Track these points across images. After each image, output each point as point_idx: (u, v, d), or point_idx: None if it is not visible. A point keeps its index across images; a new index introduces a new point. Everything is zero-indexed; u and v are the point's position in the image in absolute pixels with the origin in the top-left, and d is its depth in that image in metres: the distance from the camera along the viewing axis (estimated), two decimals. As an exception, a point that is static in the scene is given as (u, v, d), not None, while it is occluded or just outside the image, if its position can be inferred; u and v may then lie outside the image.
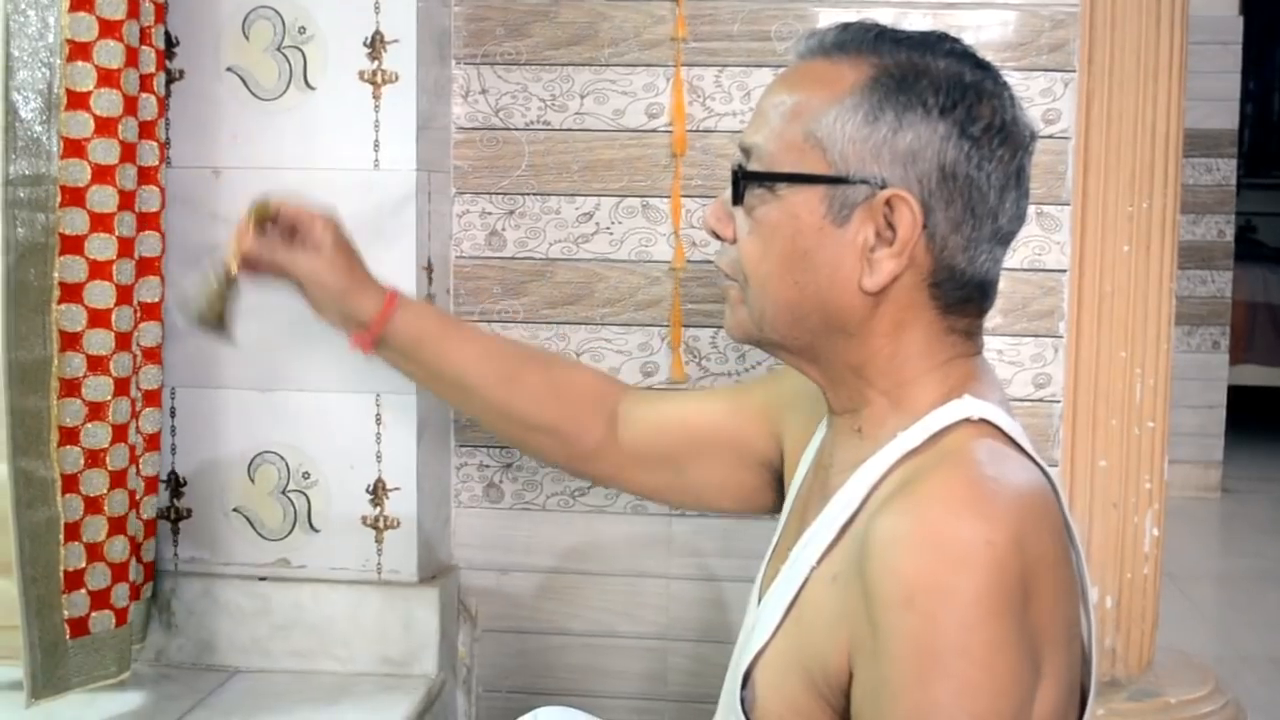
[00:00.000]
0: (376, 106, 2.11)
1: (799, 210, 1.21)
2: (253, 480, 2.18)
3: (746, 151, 1.27)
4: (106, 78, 1.84)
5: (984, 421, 1.17)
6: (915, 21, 2.21)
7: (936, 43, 1.22)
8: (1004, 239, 1.23)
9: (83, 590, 1.89)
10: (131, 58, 1.89)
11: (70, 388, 1.85)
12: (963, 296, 1.22)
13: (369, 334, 1.68)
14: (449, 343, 1.72)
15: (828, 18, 2.23)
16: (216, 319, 1.72)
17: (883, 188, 1.17)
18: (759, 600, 1.34)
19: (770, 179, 1.22)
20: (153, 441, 2.07)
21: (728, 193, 1.29)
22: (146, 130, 1.97)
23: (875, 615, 1.04)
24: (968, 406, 1.18)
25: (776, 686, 1.19)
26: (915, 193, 1.17)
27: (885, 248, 1.18)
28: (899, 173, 1.17)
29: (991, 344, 2.24)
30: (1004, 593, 1.02)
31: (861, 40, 1.22)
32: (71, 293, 1.84)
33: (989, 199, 1.19)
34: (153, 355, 2.05)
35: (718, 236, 1.31)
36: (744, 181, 1.25)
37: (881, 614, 1.03)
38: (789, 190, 1.21)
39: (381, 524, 2.17)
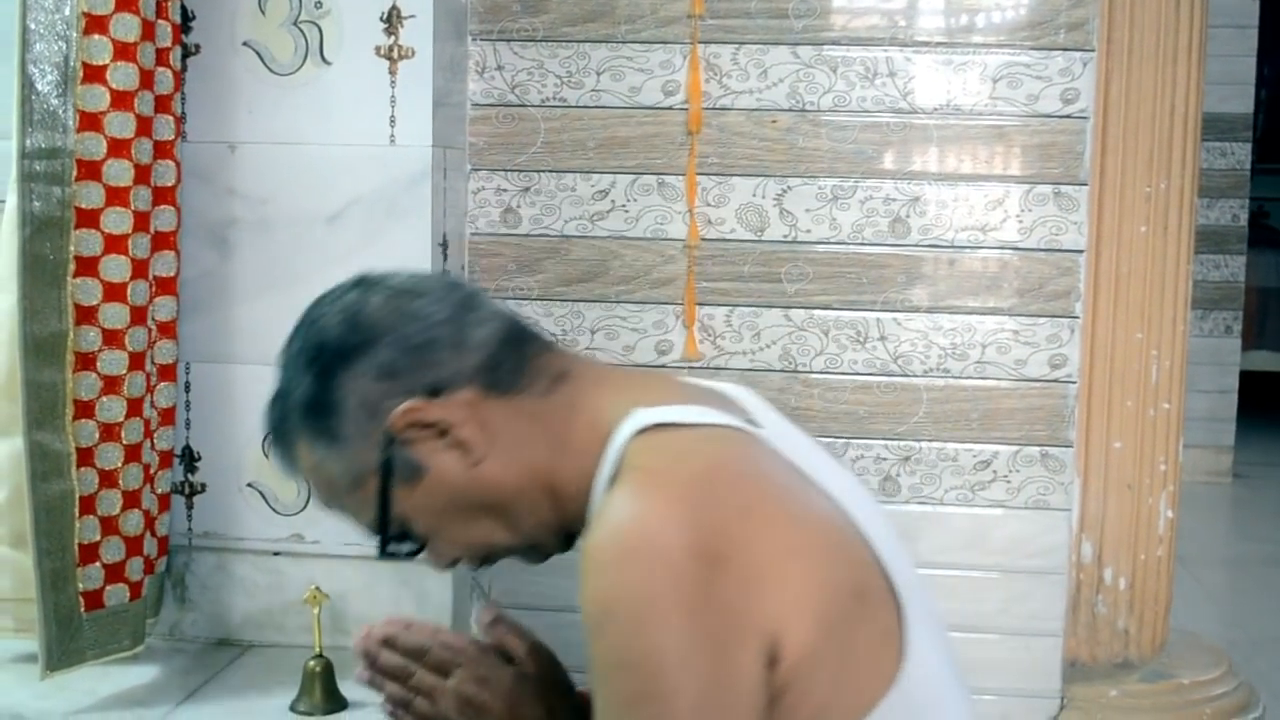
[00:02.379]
0: (393, 82, 2.10)
1: (413, 506, 1.27)
2: (267, 455, 2.18)
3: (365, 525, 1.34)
4: (123, 51, 1.84)
5: (655, 425, 1.20)
6: None
7: (281, 359, 1.31)
8: (460, 312, 1.27)
9: (97, 564, 1.89)
10: (148, 32, 1.88)
11: (85, 361, 1.85)
12: (510, 368, 1.27)
13: None
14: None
15: (845, -4, 2.23)
16: None
17: (391, 439, 1.24)
18: None
19: (384, 531, 1.29)
20: (167, 416, 2.07)
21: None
22: (162, 104, 1.97)
23: (588, 643, 1.10)
24: (641, 418, 1.21)
25: None
26: (397, 404, 1.23)
27: (450, 432, 1.24)
28: (381, 415, 1.24)
29: (1007, 324, 2.24)
30: (670, 590, 1.06)
31: (279, 433, 1.31)
32: (87, 266, 1.84)
33: (413, 332, 1.25)
34: (168, 330, 2.05)
35: (456, 563, 1.36)
36: (389, 549, 1.31)
37: (588, 641, 1.09)
38: (397, 510, 1.27)
39: (395, 500, 2.17)
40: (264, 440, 1.30)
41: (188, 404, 2.18)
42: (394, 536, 1.30)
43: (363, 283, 1.31)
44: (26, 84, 1.79)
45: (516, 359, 1.27)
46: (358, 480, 1.27)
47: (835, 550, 1.17)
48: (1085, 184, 2.22)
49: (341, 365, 1.25)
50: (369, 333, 1.25)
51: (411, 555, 1.33)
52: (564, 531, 1.31)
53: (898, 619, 1.19)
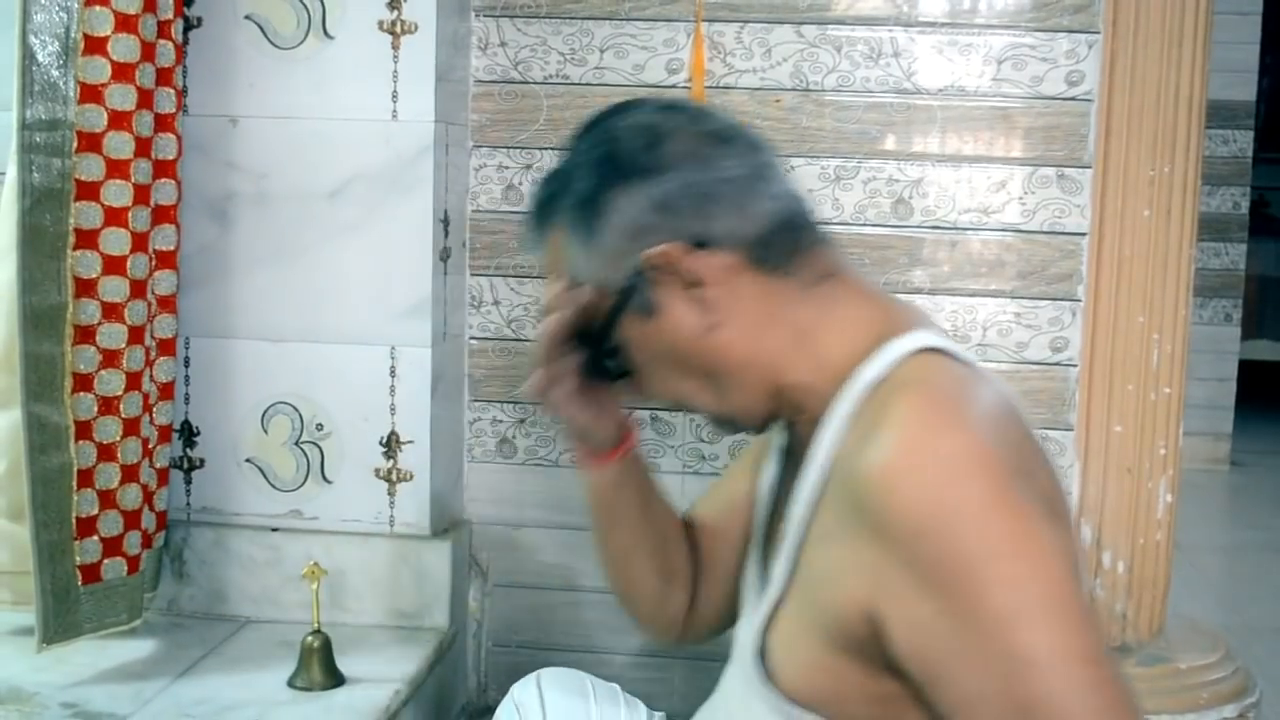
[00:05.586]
0: (395, 57, 2.09)
1: (634, 337, 1.27)
2: (266, 431, 2.18)
3: (585, 343, 1.33)
4: (124, 23, 1.83)
5: (939, 351, 1.19)
6: (938, -20, 2.20)
7: (576, 144, 1.30)
8: (755, 177, 1.25)
9: (95, 537, 1.89)
10: (150, 3, 1.88)
11: (84, 334, 1.85)
12: (782, 248, 1.24)
13: (610, 453, 1.49)
14: (656, 491, 1.57)
15: (850, -25, 2.22)
16: None
17: (640, 271, 1.23)
18: (760, 583, 1.35)
19: (599, 346, 1.29)
20: (166, 390, 2.06)
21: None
22: (164, 77, 1.96)
23: (899, 554, 1.05)
24: (923, 338, 1.20)
25: (792, 651, 1.20)
26: (664, 239, 1.21)
27: (698, 287, 1.22)
28: (643, 242, 1.22)
29: (1008, 307, 2.23)
30: (1003, 482, 1.04)
31: (542, 209, 1.31)
32: (87, 239, 1.84)
33: (705, 178, 1.23)
34: (168, 304, 2.04)
35: (649, 399, 1.36)
36: (596, 364, 1.33)
37: (903, 550, 1.05)
38: (618, 335, 1.27)
39: (394, 477, 2.17)
40: (531, 210, 1.33)
41: (187, 379, 2.18)
42: (605, 354, 1.30)
43: (674, 109, 1.28)
44: (27, 55, 1.78)
45: (791, 242, 1.25)
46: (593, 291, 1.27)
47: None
48: (1089, 167, 2.21)
49: (625, 180, 1.23)
50: (663, 162, 1.23)
51: (616, 379, 1.33)
52: (769, 416, 1.30)
53: None
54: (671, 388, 1.29)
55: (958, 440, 1.05)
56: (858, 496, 1.08)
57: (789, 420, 1.31)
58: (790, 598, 1.21)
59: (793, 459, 1.34)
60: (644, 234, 1.22)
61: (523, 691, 1.63)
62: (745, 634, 1.31)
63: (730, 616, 1.54)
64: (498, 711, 1.63)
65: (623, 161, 1.24)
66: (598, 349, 1.30)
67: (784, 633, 1.21)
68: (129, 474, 1.92)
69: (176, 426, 2.17)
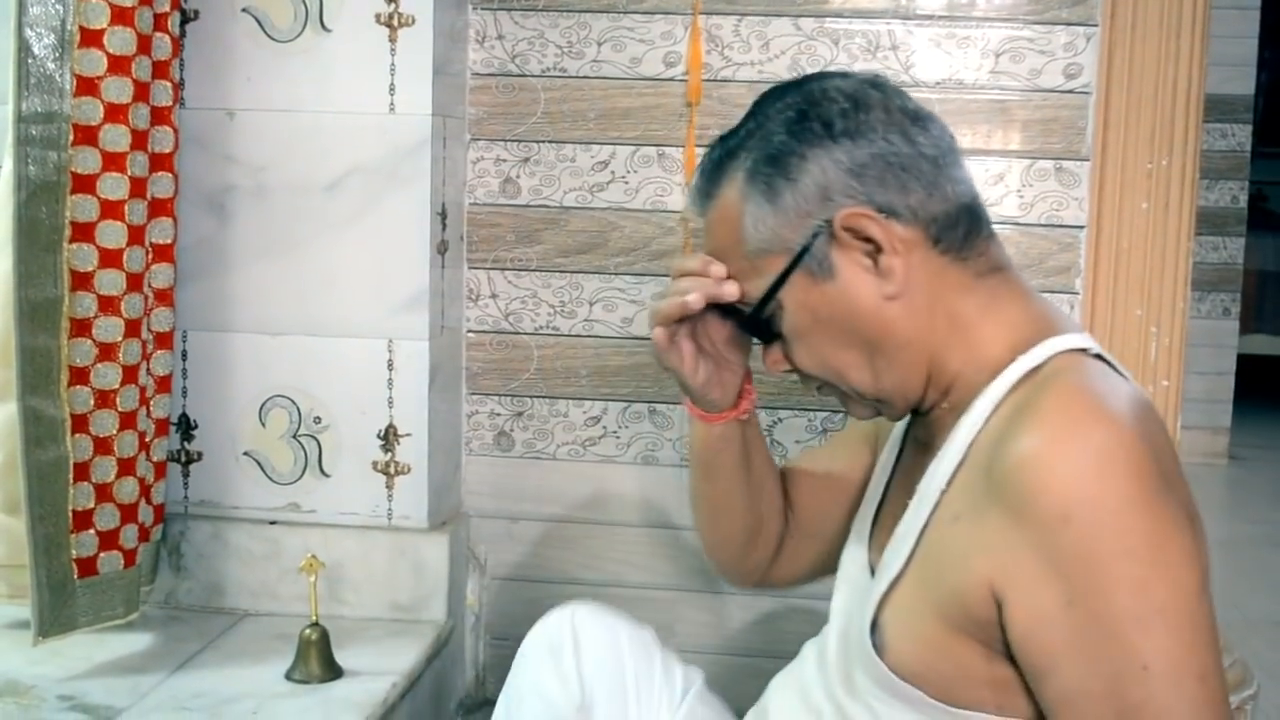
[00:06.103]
0: (392, 50, 2.09)
1: (801, 300, 1.27)
2: (264, 424, 2.18)
3: (734, 305, 1.34)
4: (120, 15, 1.83)
5: (1093, 354, 1.21)
6: (936, -27, 2.20)
7: (765, 104, 1.31)
8: (946, 159, 1.27)
9: (91, 530, 1.89)
10: (146, -5, 1.87)
11: (81, 328, 1.84)
12: (963, 232, 1.26)
13: (720, 415, 1.49)
14: (760, 450, 1.56)
15: (848, -32, 2.22)
16: None
17: (826, 228, 1.23)
18: (867, 558, 1.37)
19: (760, 307, 1.29)
20: (164, 384, 2.06)
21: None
22: (160, 70, 1.95)
23: (1033, 539, 1.07)
24: (1081, 340, 1.22)
25: (909, 629, 1.21)
26: (854, 203, 1.23)
27: (880, 255, 1.23)
28: (831, 205, 1.23)
29: (1007, 300, 2.23)
30: (1148, 484, 1.06)
31: (718, 166, 1.31)
32: (83, 232, 1.83)
33: (903, 150, 1.24)
34: (164, 297, 2.04)
35: (792, 372, 1.35)
36: (750, 324, 1.33)
37: (1040, 536, 1.06)
38: (783, 296, 1.28)
39: (392, 470, 2.17)
40: (702, 165, 1.33)
41: (184, 372, 2.18)
42: (755, 319, 1.30)
43: (877, 85, 1.29)
44: (23, 47, 1.78)
45: (968, 229, 1.26)
46: (763, 250, 1.27)
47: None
48: (1087, 160, 2.21)
49: (822, 142, 1.24)
50: (863, 128, 1.24)
51: (766, 340, 1.33)
52: (915, 402, 1.30)
53: None
54: (829, 356, 1.29)
55: (1109, 435, 1.07)
56: (999, 479, 1.10)
57: (927, 406, 1.31)
58: (910, 575, 1.22)
59: (918, 444, 1.36)
60: (833, 196, 1.23)
61: (557, 628, 1.61)
62: (849, 606, 1.33)
63: (810, 576, 1.59)
64: (524, 645, 1.61)
65: (823, 123, 1.24)
66: (758, 310, 1.30)
67: (900, 609, 1.22)
68: (126, 467, 1.92)
69: (174, 420, 2.17)
